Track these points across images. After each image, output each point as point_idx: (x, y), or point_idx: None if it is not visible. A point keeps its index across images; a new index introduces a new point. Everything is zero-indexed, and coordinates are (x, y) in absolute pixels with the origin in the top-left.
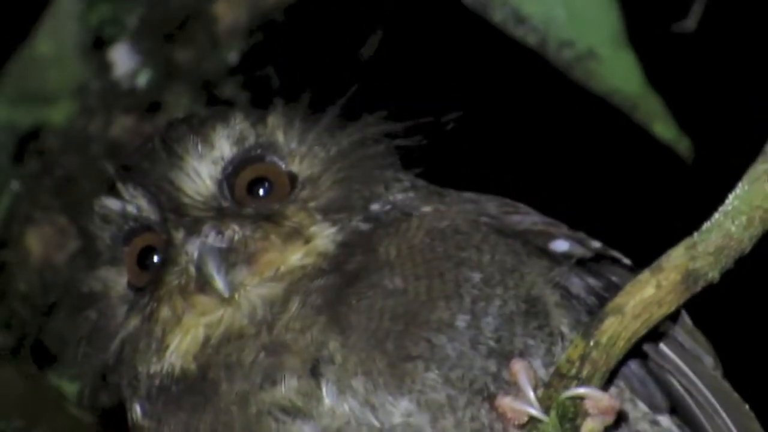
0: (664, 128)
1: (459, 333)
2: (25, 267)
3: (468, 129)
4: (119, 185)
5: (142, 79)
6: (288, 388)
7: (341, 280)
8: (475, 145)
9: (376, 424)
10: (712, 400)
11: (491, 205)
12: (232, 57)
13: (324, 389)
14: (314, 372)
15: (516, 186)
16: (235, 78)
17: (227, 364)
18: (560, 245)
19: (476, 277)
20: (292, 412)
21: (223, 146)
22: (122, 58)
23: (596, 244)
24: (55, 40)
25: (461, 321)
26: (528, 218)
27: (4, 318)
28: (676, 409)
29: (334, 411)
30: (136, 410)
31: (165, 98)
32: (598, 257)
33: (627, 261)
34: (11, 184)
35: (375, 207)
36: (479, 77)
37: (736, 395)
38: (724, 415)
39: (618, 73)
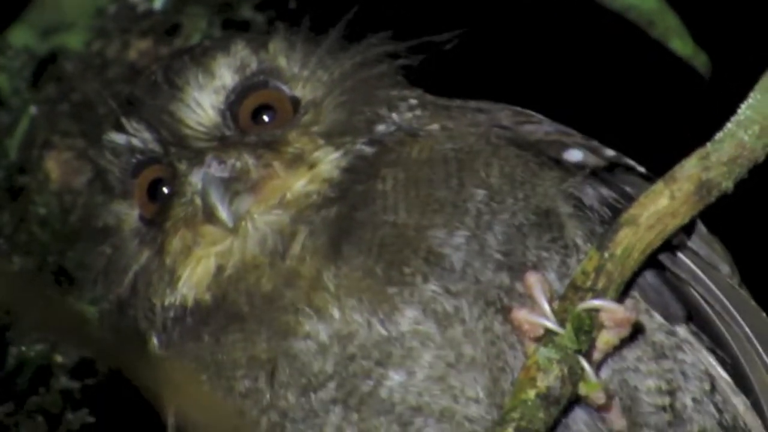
0: (681, 44)
1: (457, 248)
2: (44, 191)
3: (482, 47)
4: (123, 120)
5: (159, 2)
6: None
7: (343, 210)
8: (490, 61)
9: (383, 332)
10: (730, 307)
11: (503, 114)
12: None
13: (328, 307)
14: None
15: (532, 100)
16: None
17: (244, 290)
18: (574, 155)
19: (480, 193)
20: (312, 311)
21: (225, 75)
22: None
23: (610, 153)
24: None
25: (460, 237)
26: (541, 128)
27: (24, 242)
28: (693, 317)
29: (342, 320)
30: (154, 342)
31: (182, 21)
32: (612, 166)
33: (642, 169)
34: (29, 109)
35: (380, 129)
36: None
37: (753, 303)
38: (741, 322)
39: None
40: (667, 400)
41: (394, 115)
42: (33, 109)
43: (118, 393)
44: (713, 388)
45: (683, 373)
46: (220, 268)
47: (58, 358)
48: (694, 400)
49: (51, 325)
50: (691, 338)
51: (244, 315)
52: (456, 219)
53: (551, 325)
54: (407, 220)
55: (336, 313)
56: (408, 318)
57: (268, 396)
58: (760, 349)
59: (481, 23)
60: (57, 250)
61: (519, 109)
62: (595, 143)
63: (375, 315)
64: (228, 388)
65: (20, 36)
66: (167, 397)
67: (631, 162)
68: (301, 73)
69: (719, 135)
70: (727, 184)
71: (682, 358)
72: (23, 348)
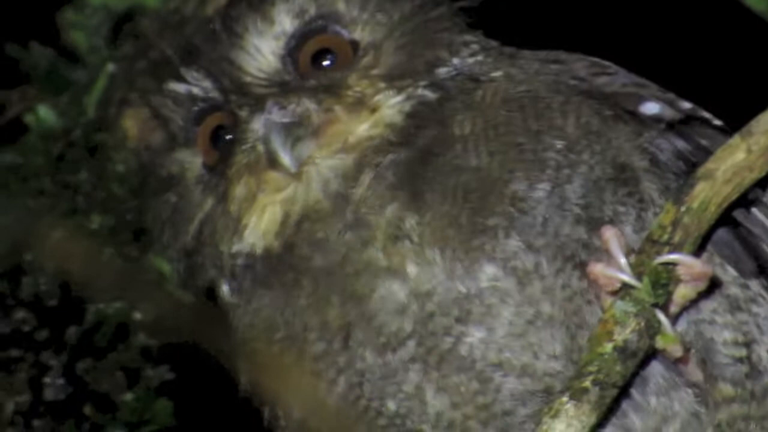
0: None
1: (539, 201)
2: (122, 149)
3: None
4: (182, 69)
5: None
6: (377, 252)
7: (414, 156)
8: (563, 11)
9: (462, 289)
10: None
11: (579, 65)
12: None
13: (406, 262)
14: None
15: (606, 50)
16: None
17: (313, 241)
18: (650, 108)
19: (559, 144)
20: (387, 269)
21: (284, 21)
22: None
23: (687, 105)
24: None
25: (541, 190)
26: (617, 79)
27: (103, 200)
28: (764, 272)
29: (420, 277)
30: (223, 289)
31: None
32: (688, 119)
33: (718, 122)
34: (107, 67)
35: (440, 72)
36: None
37: None
38: None
39: None
40: (743, 352)
41: (456, 60)
42: (111, 67)
43: (197, 350)
44: None
45: (758, 326)
46: (286, 216)
47: (137, 316)
48: None
49: (128, 286)
50: (763, 292)
51: (315, 273)
52: (537, 169)
53: (628, 278)
54: (491, 164)
55: (413, 270)
56: (487, 274)
57: (344, 357)
58: None
59: None
60: (135, 207)
61: (595, 59)
62: (671, 95)
63: (455, 270)
64: (301, 350)
65: None
66: (240, 365)
67: (708, 115)
68: (359, 17)
69: None
70: None
71: (757, 311)
72: (101, 305)
